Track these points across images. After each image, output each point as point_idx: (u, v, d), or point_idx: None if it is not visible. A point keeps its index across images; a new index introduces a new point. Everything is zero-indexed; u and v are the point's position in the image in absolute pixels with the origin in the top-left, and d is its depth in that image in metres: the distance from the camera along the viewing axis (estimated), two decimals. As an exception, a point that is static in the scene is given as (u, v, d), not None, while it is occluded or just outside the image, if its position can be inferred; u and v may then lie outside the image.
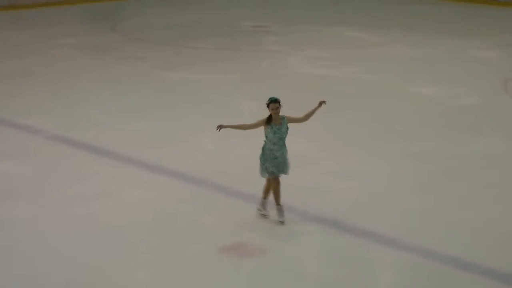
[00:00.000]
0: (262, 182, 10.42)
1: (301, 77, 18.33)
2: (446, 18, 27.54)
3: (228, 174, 12.00)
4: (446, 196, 11.25)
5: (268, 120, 10.11)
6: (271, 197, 10.38)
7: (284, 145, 10.24)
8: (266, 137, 10.19)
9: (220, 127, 10.16)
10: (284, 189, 10.33)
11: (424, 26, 25.57)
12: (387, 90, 17.19)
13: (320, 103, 10.45)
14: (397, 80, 18.14)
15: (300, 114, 10.36)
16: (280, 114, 10.10)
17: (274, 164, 10.16)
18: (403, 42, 22.85)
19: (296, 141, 13.52)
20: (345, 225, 10.26)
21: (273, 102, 10.07)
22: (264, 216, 10.43)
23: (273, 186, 10.28)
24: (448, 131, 14.16)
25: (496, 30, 24.99)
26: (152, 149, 13.16)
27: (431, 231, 10.09)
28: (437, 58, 20.62)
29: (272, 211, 10.39)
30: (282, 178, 10.30)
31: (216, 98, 16.44)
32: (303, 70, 19.15)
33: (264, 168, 10.21)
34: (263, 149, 10.22)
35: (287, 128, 10.20)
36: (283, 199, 10.33)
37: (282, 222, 10.26)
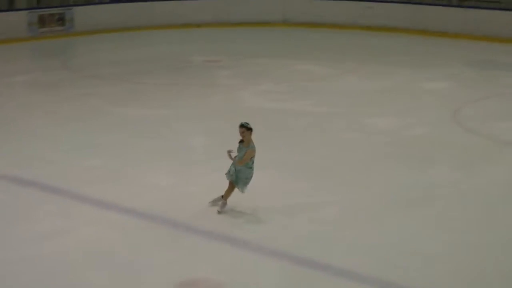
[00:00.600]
0: (217, 216, 10.47)
1: (254, 111, 18.46)
2: (397, 50, 27.99)
3: (182, 210, 12.06)
4: (400, 227, 11.42)
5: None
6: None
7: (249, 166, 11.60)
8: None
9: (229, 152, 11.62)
10: (239, 223, 10.42)
11: (376, 58, 25.98)
12: (340, 122, 17.44)
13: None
14: (349, 112, 18.40)
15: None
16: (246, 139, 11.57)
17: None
18: (355, 74, 23.18)
19: (257, 176, 13.66)
20: (301, 258, 10.36)
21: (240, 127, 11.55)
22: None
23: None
24: (400, 162, 14.41)
25: (446, 61, 25.49)
26: (105, 186, 13.18)
27: (385, 263, 10.22)
28: (388, 90, 20.96)
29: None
30: (238, 212, 10.37)
31: (169, 134, 16.53)
32: (256, 104, 19.33)
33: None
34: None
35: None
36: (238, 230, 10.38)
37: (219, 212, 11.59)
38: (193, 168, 14.10)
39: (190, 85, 21.63)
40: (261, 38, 30.39)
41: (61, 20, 29.43)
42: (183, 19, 32.56)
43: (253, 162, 11.69)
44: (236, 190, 11.79)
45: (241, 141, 11.67)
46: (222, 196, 11.84)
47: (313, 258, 10.31)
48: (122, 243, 10.98)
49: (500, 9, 30.08)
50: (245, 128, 11.58)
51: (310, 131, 16.80)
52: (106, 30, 30.22)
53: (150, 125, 17.19)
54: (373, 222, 11.60)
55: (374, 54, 26.86)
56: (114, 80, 22.05)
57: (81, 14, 30.14)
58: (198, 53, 26.65)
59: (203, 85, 21.61)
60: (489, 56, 26.50)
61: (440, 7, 31.45)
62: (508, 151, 15.18)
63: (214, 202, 11.97)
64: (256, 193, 12.67)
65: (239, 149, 11.69)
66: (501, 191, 12.86)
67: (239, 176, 11.65)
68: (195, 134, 16.46)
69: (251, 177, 11.74)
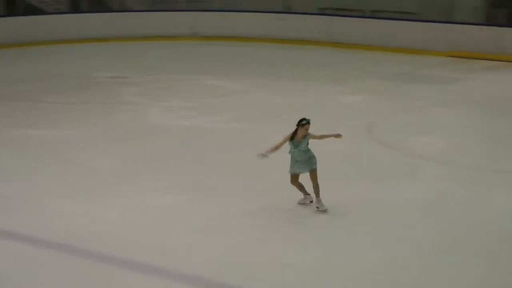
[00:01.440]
0: (119, 240, 10.28)
1: (162, 129, 18.32)
2: (310, 63, 28.24)
3: (84, 236, 11.80)
4: (316, 247, 11.41)
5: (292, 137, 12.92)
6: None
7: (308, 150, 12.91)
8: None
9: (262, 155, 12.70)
10: (144, 248, 10.23)
11: (289, 72, 26.16)
12: (252, 139, 17.37)
13: (337, 135, 13.03)
14: (261, 128, 18.38)
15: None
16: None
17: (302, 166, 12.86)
18: (266, 88, 23.25)
19: (160, 196, 13.51)
20: (213, 282, 10.26)
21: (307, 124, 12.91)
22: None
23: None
24: (321, 179, 14.41)
25: (360, 74, 25.83)
26: (4, 214, 12.79)
27: (298, 283, 10.21)
28: (301, 105, 21.05)
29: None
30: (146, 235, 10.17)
31: (72, 155, 16.16)
32: (164, 121, 19.16)
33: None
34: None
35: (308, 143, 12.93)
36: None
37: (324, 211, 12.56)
38: (100, 192, 13.83)
39: (94, 103, 21.32)
40: (169, 53, 30.28)
41: None
42: (86, 33, 32.23)
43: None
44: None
45: (292, 139, 12.93)
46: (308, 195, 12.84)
47: (227, 282, 10.22)
48: (23, 274, 10.65)
49: (415, 20, 30.66)
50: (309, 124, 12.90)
51: (221, 148, 16.71)
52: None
53: (51, 148, 16.79)
54: (289, 243, 11.55)
55: (287, 68, 27.05)
56: (10, 100, 21.55)
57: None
58: (103, 69, 26.38)
59: (107, 103, 21.33)
60: (405, 69, 26.98)
61: (354, 18, 31.93)
62: (426, 166, 15.38)
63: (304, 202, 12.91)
64: (166, 216, 12.53)
65: (294, 145, 12.95)
66: (418, 207, 13.00)
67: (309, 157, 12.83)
68: (100, 156, 16.15)
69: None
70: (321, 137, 13.01)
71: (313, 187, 12.70)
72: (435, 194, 13.66)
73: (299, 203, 12.97)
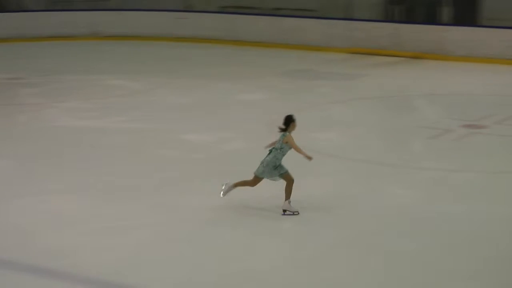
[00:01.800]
0: (20, 248, 10.21)
1: (63, 131, 18.20)
2: (211, 61, 28.39)
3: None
4: (225, 246, 11.51)
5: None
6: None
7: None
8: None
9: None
10: (45, 251, 10.19)
11: (190, 70, 26.26)
12: (155, 139, 17.45)
13: (309, 158, 12.82)
14: (164, 128, 18.46)
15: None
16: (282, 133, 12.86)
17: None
18: (168, 88, 23.33)
19: (59, 198, 13.44)
20: (119, 284, 10.30)
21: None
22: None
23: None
24: (218, 179, 14.54)
25: (262, 71, 26.10)
26: None
27: (206, 283, 10.34)
28: (203, 103, 21.22)
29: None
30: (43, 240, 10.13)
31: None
32: (64, 123, 19.03)
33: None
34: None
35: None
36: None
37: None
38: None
39: (-9, 105, 21.03)
40: (68, 53, 30.00)
41: None
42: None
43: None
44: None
45: (284, 130, 12.87)
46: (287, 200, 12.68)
47: (132, 283, 10.28)
48: None
49: (315, 17, 31.13)
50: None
51: (123, 149, 16.72)
52: None
53: None
54: (195, 242, 11.65)
55: (188, 67, 27.15)
56: None
57: None
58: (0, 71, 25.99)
59: (5, 105, 21.07)
60: (305, 66, 27.38)
61: (255, 16, 32.19)
62: (328, 162, 15.70)
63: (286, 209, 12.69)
64: (64, 219, 12.50)
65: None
66: (318, 203, 13.26)
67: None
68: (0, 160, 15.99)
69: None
70: (296, 148, 12.90)
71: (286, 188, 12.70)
72: (334, 189, 13.99)
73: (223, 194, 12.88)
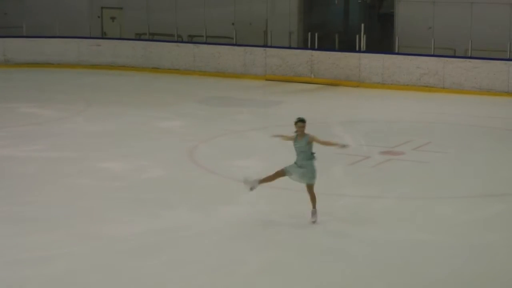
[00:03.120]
0: None
1: (-27, 160, 17.83)
2: (128, 89, 28.22)
3: None
4: (140, 275, 11.39)
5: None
6: None
7: (310, 158, 13.28)
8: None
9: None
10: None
11: (106, 98, 26.04)
12: (71, 168, 17.19)
13: (343, 146, 13.63)
14: (80, 157, 18.20)
15: None
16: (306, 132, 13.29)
17: (297, 173, 13.34)
18: (84, 115, 23.07)
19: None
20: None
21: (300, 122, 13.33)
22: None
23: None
24: (137, 208, 14.43)
25: (179, 99, 26.06)
26: None
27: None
28: (120, 131, 21.03)
29: None
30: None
31: None
32: (-25, 152, 18.65)
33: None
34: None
35: (307, 143, 13.27)
36: None
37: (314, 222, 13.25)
38: None
39: None
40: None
41: None
42: None
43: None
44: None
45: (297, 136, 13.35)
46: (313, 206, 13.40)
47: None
48: None
49: (233, 44, 31.27)
50: (304, 122, 13.41)
51: (37, 178, 16.42)
52: None
53: None
54: (111, 273, 11.50)
55: (104, 94, 26.94)
56: None
57: None
58: None
59: None
60: (223, 93, 27.44)
61: (170, 43, 32.18)
62: (244, 189, 15.71)
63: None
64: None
65: (297, 142, 13.39)
66: (239, 230, 13.25)
67: (312, 169, 13.36)
68: None
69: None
70: (324, 143, 13.52)
71: (310, 199, 13.41)
72: (256, 215, 13.98)
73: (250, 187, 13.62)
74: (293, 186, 15.75)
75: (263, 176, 13.70)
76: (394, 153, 18.57)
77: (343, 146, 13.80)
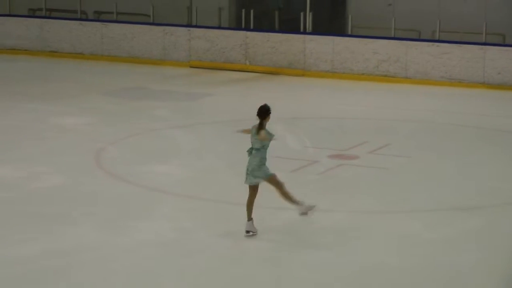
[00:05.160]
0: None
1: None
2: (17, 77, 27.96)
3: None
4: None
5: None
6: None
7: (253, 154, 13.63)
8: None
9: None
10: None
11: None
12: None
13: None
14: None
15: None
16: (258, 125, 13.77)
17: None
18: (-37, 111, 22.85)
19: None
20: None
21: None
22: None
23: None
24: (32, 222, 14.32)
25: (83, 90, 25.88)
26: None
27: None
28: (8, 130, 20.83)
29: None
30: None
31: None
32: None
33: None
34: None
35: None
36: None
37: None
38: None
39: None
40: None
41: None
42: None
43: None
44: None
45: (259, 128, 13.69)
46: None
47: None
48: None
49: (148, 23, 31.11)
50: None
51: None
52: None
53: None
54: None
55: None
56: None
57: None
58: None
59: None
60: (137, 83, 27.36)
61: (73, 21, 31.88)
62: (166, 201, 15.68)
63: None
64: None
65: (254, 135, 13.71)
66: (156, 251, 13.24)
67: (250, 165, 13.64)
68: None
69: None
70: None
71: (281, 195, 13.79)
72: (175, 233, 13.98)
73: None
74: (221, 197, 15.79)
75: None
76: (346, 157, 18.72)
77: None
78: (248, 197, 13.69)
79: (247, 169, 13.61)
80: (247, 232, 13.64)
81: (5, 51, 31.78)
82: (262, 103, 13.98)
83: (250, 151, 13.66)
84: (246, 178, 13.64)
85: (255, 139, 13.62)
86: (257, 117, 13.78)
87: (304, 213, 13.85)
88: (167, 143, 20.17)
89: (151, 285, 12.09)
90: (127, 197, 16.07)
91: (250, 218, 13.65)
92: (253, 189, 13.69)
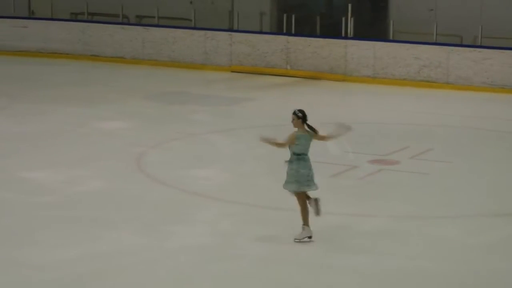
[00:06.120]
0: None
1: None
2: (60, 81, 28.08)
3: None
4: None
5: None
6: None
7: (292, 161, 13.65)
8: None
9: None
10: None
11: (32, 92, 25.94)
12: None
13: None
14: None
15: None
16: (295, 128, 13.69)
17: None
18: (5, 113, 22.97)
19: None
20: None
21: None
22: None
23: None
24: (71, 227, 14.38)
25: (124, 94, 25.95)
26: None
27: None
28: (50, 133, 20.95)
29: None
30: None
31: None
32: None
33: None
34: None
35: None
36: None
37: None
38: None
39: None
40: None
41: None
42: None
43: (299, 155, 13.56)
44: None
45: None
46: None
47: None
48: None
49: (192, 28, 31.19)
50: (295, 116, 13.68)
51: None
52: None
53: None
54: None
55: (29, 87, 26.79)
56: None
57: None
58: None
59: None
60: (177, 87, 27.41)
61: (114, 25, 32.04)
62: (207, 206, 15.72)
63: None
64: None
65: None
66: (199, 254, 13.28)
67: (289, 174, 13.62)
68: None
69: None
70: (323, 138, 14.02)
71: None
72: (217, 238, 14.02)
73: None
74: (261, 202, 15.81)
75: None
76: (386, 162, 18.69)
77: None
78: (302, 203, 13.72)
79: (308, 175, 13.63)
80: (309, 237, 13.69)
81: (47, 55, 31.98)
82: (302, 108, 13.96)
83: (305, 157, 13.68)
84: (309, 185, 13.66)
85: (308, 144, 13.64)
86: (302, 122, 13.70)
87: (297, 240, 13.64)
88: (207, 147, 20.21)
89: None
90: (167, 201, 16.13)
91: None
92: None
